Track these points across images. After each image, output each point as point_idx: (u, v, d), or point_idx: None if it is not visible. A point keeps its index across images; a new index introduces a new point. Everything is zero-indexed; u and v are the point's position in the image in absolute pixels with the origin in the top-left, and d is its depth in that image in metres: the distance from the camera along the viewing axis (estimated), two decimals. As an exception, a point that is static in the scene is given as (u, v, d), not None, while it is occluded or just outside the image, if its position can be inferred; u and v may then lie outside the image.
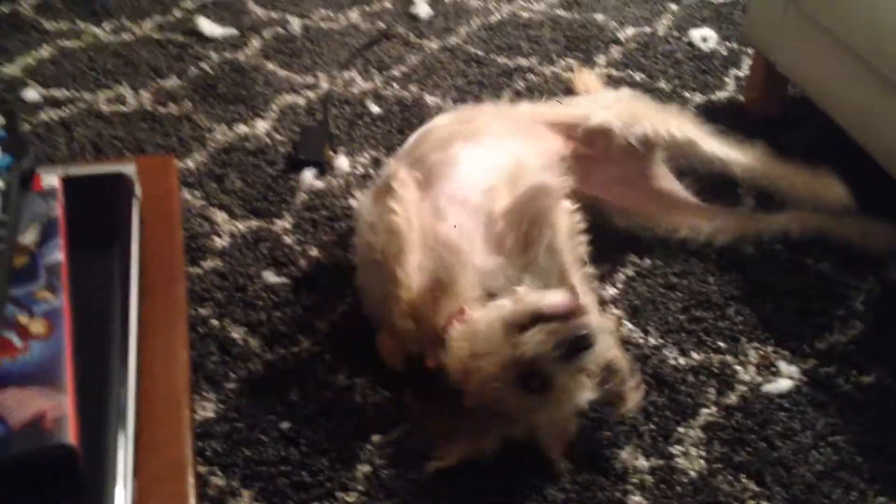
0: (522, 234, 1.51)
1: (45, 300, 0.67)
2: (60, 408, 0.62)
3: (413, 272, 1.43)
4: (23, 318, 0.66)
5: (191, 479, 0.63)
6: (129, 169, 0.80)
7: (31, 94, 2.15)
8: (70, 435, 0.61)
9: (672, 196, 1.87)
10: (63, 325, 0.67)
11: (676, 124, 1.81)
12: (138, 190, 0.80)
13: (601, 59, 2.37)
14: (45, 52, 2.30)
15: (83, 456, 0.62)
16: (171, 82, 2.22)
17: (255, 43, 2.38)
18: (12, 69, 2.24)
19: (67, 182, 0.78)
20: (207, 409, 1.49)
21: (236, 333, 1.62)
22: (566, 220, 1.50)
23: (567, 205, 1.52)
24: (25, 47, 2.32)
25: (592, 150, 1.78)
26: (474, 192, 1.56)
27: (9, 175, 0.71)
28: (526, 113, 1.85)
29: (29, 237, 0.72)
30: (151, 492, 0.63)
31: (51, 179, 0.76)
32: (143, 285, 0.76)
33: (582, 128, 1.78)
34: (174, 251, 0.79)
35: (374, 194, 1.58)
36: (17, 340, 0.65)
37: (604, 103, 1.86)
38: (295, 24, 2.47)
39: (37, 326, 0.66)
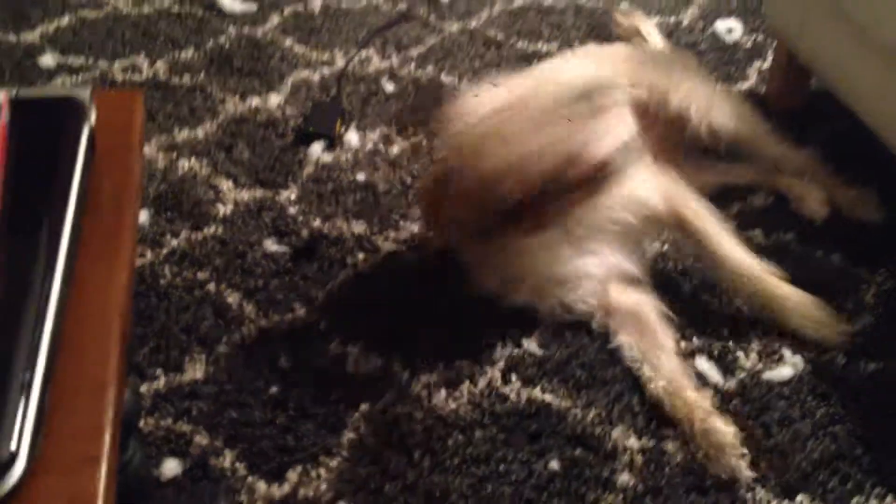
0: None
1: (-32, 207, 0.67)
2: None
3: None
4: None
5: (111, 398, 0.62)
6: (83, 95, 0.79)
7: (48, 60, 2.16)
8: (-30, 333, 0.60)
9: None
10: (-20, 231, 0.66)
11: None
12: (92, 117, 0.79)
13: (622, 46, 2.34)
14: (64, 21, 2.32)
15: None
16: (188, 54, 2.22)
17: (275, 19, 2.37)
18: (32, 36, 2.25)
19: (15, 102, 0.77)
20: (197, 371, 1.49)
21: (232, 299, 1.61)
22: None
23: None
24: (46, 16, 2.33)
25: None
26: None
27: (-55, 84, 0.71)
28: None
29: (-36, 149, 0.72)
30: (65, 404, 0.62)
31: (-3, 96, 0.76)
32: (90, 209, 0.75)
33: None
34: (129, 180, 0.78)
35: None
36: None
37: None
38: (316, 2, 2.45)
39: (-49, 230, 0.66)
